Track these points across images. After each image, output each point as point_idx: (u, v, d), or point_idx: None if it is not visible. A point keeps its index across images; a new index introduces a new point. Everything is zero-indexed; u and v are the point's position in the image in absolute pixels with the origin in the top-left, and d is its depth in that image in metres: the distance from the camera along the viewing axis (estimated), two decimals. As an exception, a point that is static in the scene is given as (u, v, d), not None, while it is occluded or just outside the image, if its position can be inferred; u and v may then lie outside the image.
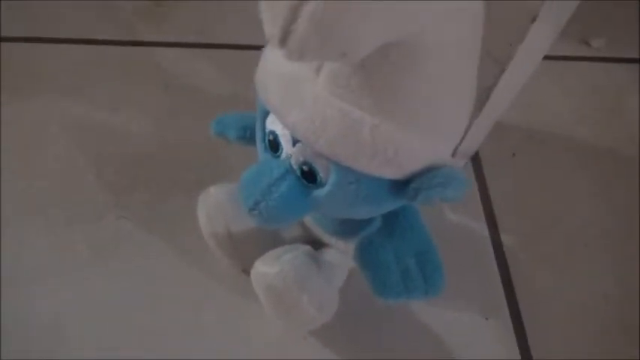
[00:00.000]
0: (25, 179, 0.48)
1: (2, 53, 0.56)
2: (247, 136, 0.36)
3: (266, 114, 0.29)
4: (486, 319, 0.42)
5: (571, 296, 0.44)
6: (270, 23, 0.20)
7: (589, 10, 0.64)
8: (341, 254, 0.38)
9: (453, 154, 0.40)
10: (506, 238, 0.46)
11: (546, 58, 0.58)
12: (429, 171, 0.27)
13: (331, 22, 0.19)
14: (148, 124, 0.52)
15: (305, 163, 0.28)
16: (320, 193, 0.28)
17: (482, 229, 0.47)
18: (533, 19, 0.27)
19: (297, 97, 0.26)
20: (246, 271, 0.37)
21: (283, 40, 0.20)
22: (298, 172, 0.28)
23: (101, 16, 0.60)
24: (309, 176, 0.28)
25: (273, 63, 0.27)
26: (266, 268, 0.34)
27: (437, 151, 0.27)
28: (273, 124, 0.29)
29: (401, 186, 0.27)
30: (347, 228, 0.36)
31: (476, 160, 0.51)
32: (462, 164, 0.49)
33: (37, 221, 0.45)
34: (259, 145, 0.31)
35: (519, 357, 0.41)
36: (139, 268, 0.43)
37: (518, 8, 0.27)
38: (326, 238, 0.39)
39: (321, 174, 0.28)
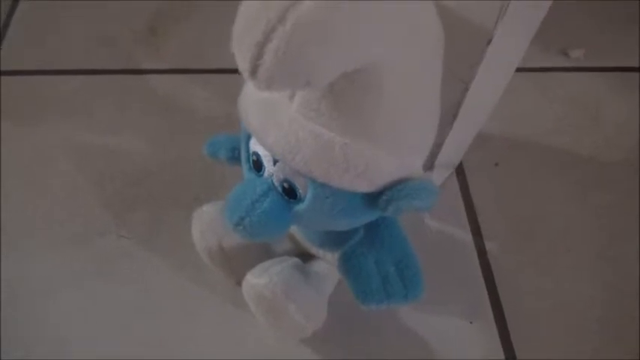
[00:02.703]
0: (30, 200, 0.50)
1: (6, 85, 0.59)
2: (236, 156, 0.38)
3: (249, 136, 0.32)
4: (471, 323, 0.44)
5: (555, 299, 0.46)
6: (241, 59, 0.22)
7: (567, 23, 0.67)
8: (328, 265, 0.40)
9: (432, 167, 0.42)
10: (489, 245, 0.48)
11: (527, 69, 0.61)
12: (398, 183, 0.29)
13: (293, 57, 0.22)
14: (146, 146, 0.55)
15: (285, 180, 0.30)
16: (300, 207, 0.30)
17: (466, 236, 0.49)
18: (489, 42, 0.30)
19: (274, 121, 0.28)
20: (240, 284, 0.39)
21: (253, 73, 0.22)
22: (280, 189, 0.31)
23: (100, 47, 0.63)
24: (289, 193, 0.30)
25: (252, 90, 0.30)
26: (255, 279, 0.36)
27: (406, 165, 0.29)
28: (255, 145, 0.31)
29: (374, 199, 0.29)
30: (333, 240, 0.38)
31: (460, 169, 0.53)
32: (446, 175, 0.51)
33: (42, 239, 0.48)
34: (244, 165, 0.33)
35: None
36: (139, 283, 0.45)
37: (474, 31, 0.30)
38: (314, 250, 0.41)
39: (300, 190, 0.30)
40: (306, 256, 0.41)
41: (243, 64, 0.22)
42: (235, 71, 0.24)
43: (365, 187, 0.29)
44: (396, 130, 0.28)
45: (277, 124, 0.28)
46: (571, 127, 0.58)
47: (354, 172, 0.28)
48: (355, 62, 0.24)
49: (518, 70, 0.40)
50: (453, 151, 0.45)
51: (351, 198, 0.29)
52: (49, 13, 0.67)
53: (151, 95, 0.59)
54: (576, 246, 0.49)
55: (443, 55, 0.29)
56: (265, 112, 0.29)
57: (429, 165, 0.42)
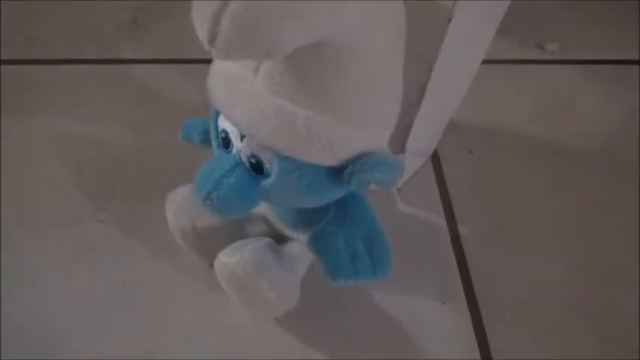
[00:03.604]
0: (11, 187, 0.50)
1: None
2: (208, 138, 0.39)
3: (218, 114, 0.33)
4: (444, 303, 0.44)
5: (525, 282, 0.46)
6: (200, 28, 0.23)
7: (544, 18, 0.68)
8: (302, 246, 0.41)
9: (403, 150, 0.43)
10: (463, 229, 0.49)
11: (502, 61, 0.63)
12: (362, 157, 0.30)
13: (250, 24, 0.22)
14: (126, 135, 0.55)
15: (252, 155, 0.31)
16: (267, 182, 0.31)
17: (440, 221, 0.49)
18: (449, 21, 0.31)
19: (239, 95, 0.29)
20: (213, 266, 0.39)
21: (211, 41, 0.23)
22: (247, 165, 0.31)
23: (83, 37, 0.64)
24: (256, 168, 0.31)
25: (219, 67, 0.30)
26: (227, 258, 0.37)
27: (369, 140, 0.30)
28: (223, 122, 0.32)
29: (338, 172, 0.30)
30: (305, 221, 0.39)
31: (434, 156, 0.54)
32: (420, 164, 0.52)
33: (23, 226, 0.48)
34: (214, 143, 0.34)
35: (475, 339, 0.43)
36: (119, 268, 0.46)
37: (435, 10, 0.31)
38: (287, 232, 0.41)
39: (267, 165, 0.30)
40: (279, 239, 0.42)
41: (201, 32, 0.23)
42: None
43: (330, 160, 0.29)
44: (358, 106, 0.29)
45: (243, 98, 0.29)
46: (545, 118, 0.59)
47: (318, 145, 0.28)
48: (314, 34, 0.25)
49: (494, 62, 0.41)
50: (424, 136, 0.46)
51: (316, 172, 0.30)
52: (33, 3, 0.67)
53: (132, 84, 0.60)
54: (549, 233, 0.50)
55: (406, 32, 0.30)
56: (231, 87, 0.29)
57: (400, 148, 0.43)
